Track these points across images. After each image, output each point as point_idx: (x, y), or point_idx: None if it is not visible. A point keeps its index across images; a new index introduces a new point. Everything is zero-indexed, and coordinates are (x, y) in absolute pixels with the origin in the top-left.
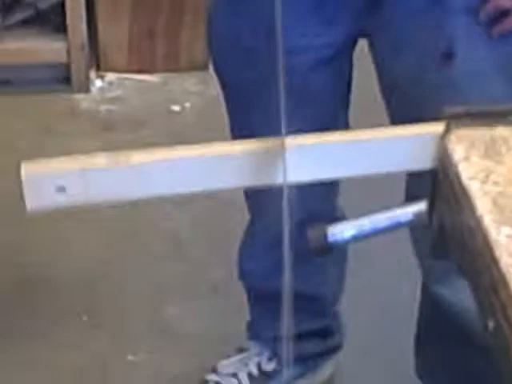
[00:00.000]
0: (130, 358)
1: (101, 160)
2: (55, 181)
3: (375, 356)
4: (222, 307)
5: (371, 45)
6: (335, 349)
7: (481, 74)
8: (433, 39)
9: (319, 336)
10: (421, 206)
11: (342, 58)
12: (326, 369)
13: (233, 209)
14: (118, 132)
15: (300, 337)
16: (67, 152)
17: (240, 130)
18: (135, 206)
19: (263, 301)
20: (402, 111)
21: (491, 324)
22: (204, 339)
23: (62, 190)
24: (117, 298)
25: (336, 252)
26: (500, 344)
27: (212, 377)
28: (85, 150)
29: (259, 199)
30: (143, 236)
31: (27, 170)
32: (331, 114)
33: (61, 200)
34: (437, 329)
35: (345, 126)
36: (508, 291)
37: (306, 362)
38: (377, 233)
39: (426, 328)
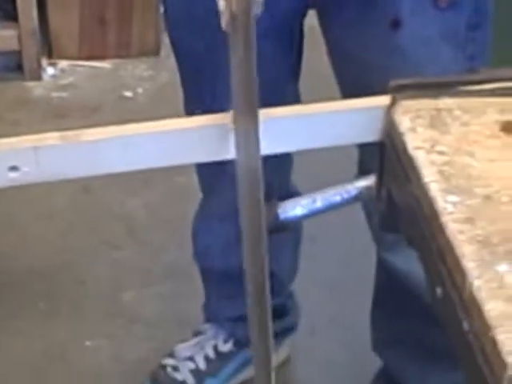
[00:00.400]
0: (87, 343)
1: (53, 138)
2: (7, 159)
3: (331, 336)
4: (178, 291)
5: (320, 17)
6: (290, 329)
7: (428, 41)
8: (380, 8)
9: (274, 315)
10: (370, 180)
11: (290, 29)
12: (282, 350)
13: (187, 194)
14: (70, 119)
15: None
16: None
17: (192, 102)
18: (89, 192)
19: (218, 280)
20: (352, 80)
21: (439, 291)
22: (161, 323)
23: (14, 168)
24: (73, 285)
25: (290, 229)
26: (448, 310)
27: (169, 361)
28: None
29: (215, 172)
30: (98, 223)
31: None
32: (279, 86)
33: (14, 178)
34: (392, 300)
35: (295, 98)
36: (455, 258)
37: None
38: (328, 208)
39: (381, 301)
